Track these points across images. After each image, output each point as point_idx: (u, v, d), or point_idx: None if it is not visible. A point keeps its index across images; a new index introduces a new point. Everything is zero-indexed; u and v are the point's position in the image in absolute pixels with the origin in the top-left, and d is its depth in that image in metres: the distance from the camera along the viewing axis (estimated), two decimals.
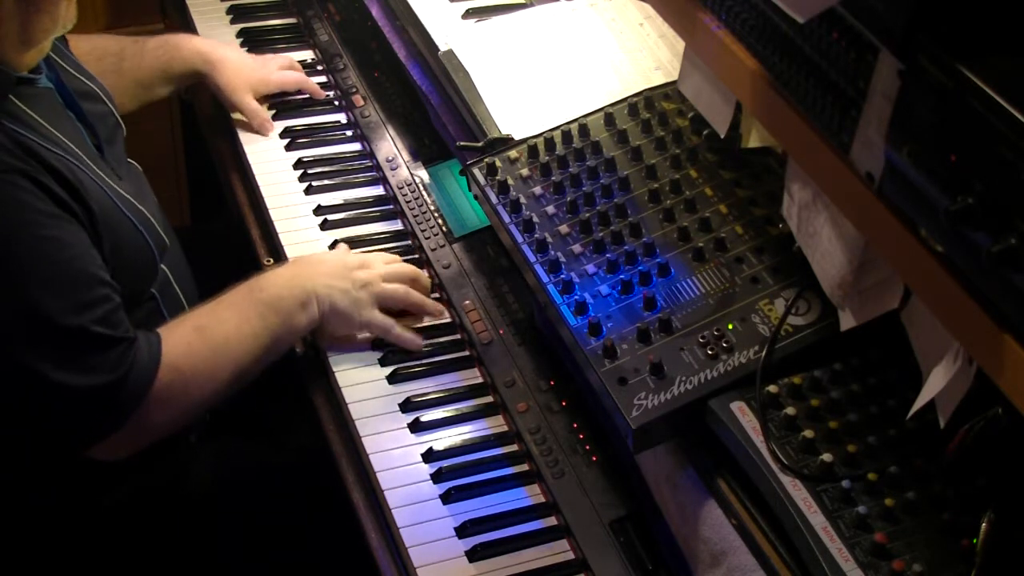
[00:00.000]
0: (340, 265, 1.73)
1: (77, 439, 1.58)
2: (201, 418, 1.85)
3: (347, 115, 2.17)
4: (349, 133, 2.14)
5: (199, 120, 2.28)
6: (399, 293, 1.74)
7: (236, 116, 2.14)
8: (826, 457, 1.26)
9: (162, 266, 1.73)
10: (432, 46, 1.92)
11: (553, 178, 1.63)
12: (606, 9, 1.92)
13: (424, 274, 1.80)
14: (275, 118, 2.14)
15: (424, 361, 1.72)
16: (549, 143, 1.68)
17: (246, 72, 2.11)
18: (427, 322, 1.78)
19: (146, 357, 1.55)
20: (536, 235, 1.56)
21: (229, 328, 1.63)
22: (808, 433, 1.28)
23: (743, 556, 1.31)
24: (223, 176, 2.13)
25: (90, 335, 1.49)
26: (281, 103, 2.16)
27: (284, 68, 2.18)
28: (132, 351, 1.53)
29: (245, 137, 2.10)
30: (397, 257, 1.82)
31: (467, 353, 1.74)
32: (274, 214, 1.95)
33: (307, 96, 2.19)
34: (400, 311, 1.76)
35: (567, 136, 1.68)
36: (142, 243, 1.65)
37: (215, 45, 2.14)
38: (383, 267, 1.75)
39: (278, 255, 1.89)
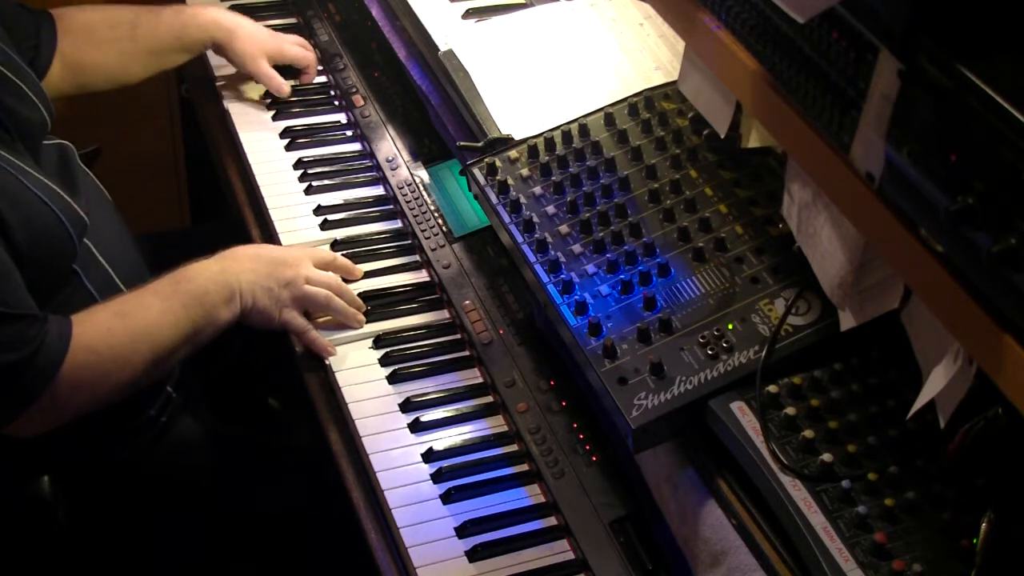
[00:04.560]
0: (267, 261, 1.73)
1: None
2: (166, 396, 1.84)
3: (347, 115, 2.17)
4: (349, 133, 2.14)
5: (200, 120, 2.28)
6: (319, 298, 1.73)
7: (247, 90, 2.13)
8: (826, 457, 1.26)
9: (87, 242, 1.71)
10: (432, 46, 1.92)
11: (553, 178, 1.63)
12: (606, 9, 1.92)
13: (349, 289, 1.78)
14: (275, 118, 2.14)
15: (424, 361, 1.72)
16: (549, 143, 1.68)
17: (260, 38, 2.13)
18: (428, 320, 1.78)
19: (55, 337, 1.53)
20: (536, 235, 1.56)
21: (152, 316, 1.63)
22: (808, 433, 1.28)
23: (743, 556, 1.31)
24: (223, 176, 2.13)
25: None
26: (281, 102, 2.16)
27: (295, 44, 2.19)
28: (36, 330, 1.51)
29: (246, 137, 2.10)
30: (330, 256, 1.81)
31: (467, 353, 1.74)
32: (274, 214, 1.95)
33: (306, 96, 2.19)
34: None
35: (567, 136, 1.68)
36: (53, 220, 1.61)
37: (228, 13, 2.15)
38: (310, 269, 1.74)
39: None
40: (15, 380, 1.51)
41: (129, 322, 1.61)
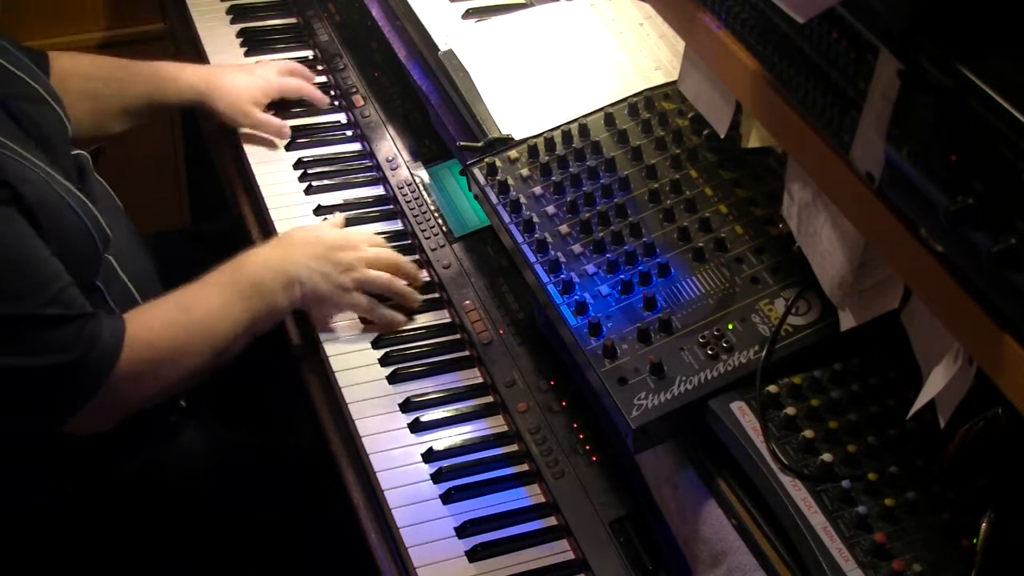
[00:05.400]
0: (323, 247, 1.73)
1: (42, 416, 1.57)
2: (180, 409, 1.84)
3: (347, 115, 2.17)
4: (349, 133, 2.14)
5: (200, 121, 2.28)
6: (382, 280, 1.74)
7: (248, 130, 2.11)
8: (826, 457, 1.26)
9: (108, 256, 1.71)
10: (432, 46, 1.92)
11: (553, 178, 1.63)
12: (606, 9, 1.92)
13: (406, 261, 1.80)
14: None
15: (424, 361, 1.72)
16: (549, 143, 1.68)
17: (245, 91, 2.07)
18: (428, 320, 1.78)
19: (108, 334, 1.53)
20: (536, 235, 1.56)
21: (209, 307, 1.64)
22: (808, 433, 1.28)
23: (743, 556, 1.31)
24: (224, 177, 2.13)
25: (40, 318, 1.47)
26: (281, 102, 2.15)
27: (284, 73, 2.14)
28: (91, 327, 1.52)
29: (246, 137, 2.10)
30: (380, 240, 1.82)
31: (467, 353, 1.74)
32: (274, 214, 1.95)
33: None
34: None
35: (567, 136, 1.68)
36: (83, 229, 1.62)
37: (207, 73, 2.09)
38: (367, 250, 1.75)
39: None
40: (71, 379, 1.52)
41: (187, 315, 1.62)
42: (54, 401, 1.54)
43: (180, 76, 2.07)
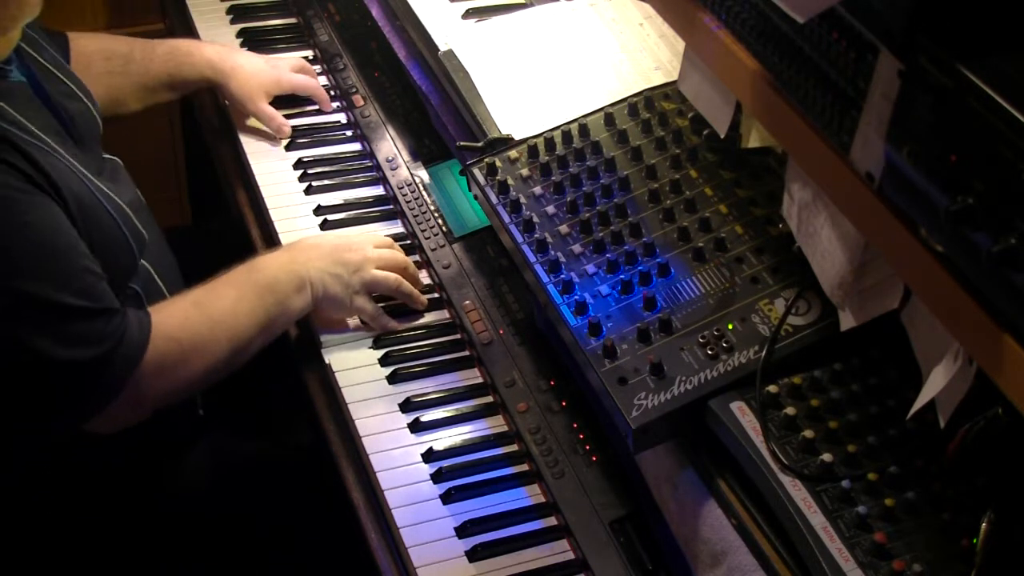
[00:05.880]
0: (333, 249, 1.74)
1: (71, 413, 1.56)
2: (200, 418, 1.85)
3: (347, 115, 2.17)
4: (349, 133, 2.14)
5: (200, 120, 2.28)
6: (390, 282, 1.75)
7: (250, 122, 2.11)
8: (826, 457, 1.26)
9: (146, 264, 1.72)
10: (432, 46, 1.92)
11: (553, 178, 1.63)
12: (606, 9, 1.92)
13: (411, 262, 1.81)
14: None
15: (424, 361, 1.72)
16: (549, 143, 1.68)
17: (259, 77, 2.09)
18: (428, 320, 1.78)
19: (136, 329, 1.54)
20: (536, 235, 1.56)
21: (227, 304, 1.65)
22: (808, 433, 1.28)
23: (743, 556, 1.31)
24: (224, 176, 2.13)
25: (70, 308, 1.47)
26: (281, 102, 2.15)
27: (296, 70, 2.16)
28: (118, 323, 1.52)
29: (246, 137, 2.10)
30: (389, 240, 1.83)
31: (467, 353, 1.74)
32: (274, 214, 1.95)
33: (306, 97, 2.18)
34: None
35: (567, 136, 1.68)
36: (118, 232, 1.63)
37: (225, 52, 2.12)
38: (373, 251, 1.76)
39: None
40: (100, 373, 1.52)
41: (206, 310, 1.63)
42: (81, 397, 1.54)
43: (197, 52, 2.09)
